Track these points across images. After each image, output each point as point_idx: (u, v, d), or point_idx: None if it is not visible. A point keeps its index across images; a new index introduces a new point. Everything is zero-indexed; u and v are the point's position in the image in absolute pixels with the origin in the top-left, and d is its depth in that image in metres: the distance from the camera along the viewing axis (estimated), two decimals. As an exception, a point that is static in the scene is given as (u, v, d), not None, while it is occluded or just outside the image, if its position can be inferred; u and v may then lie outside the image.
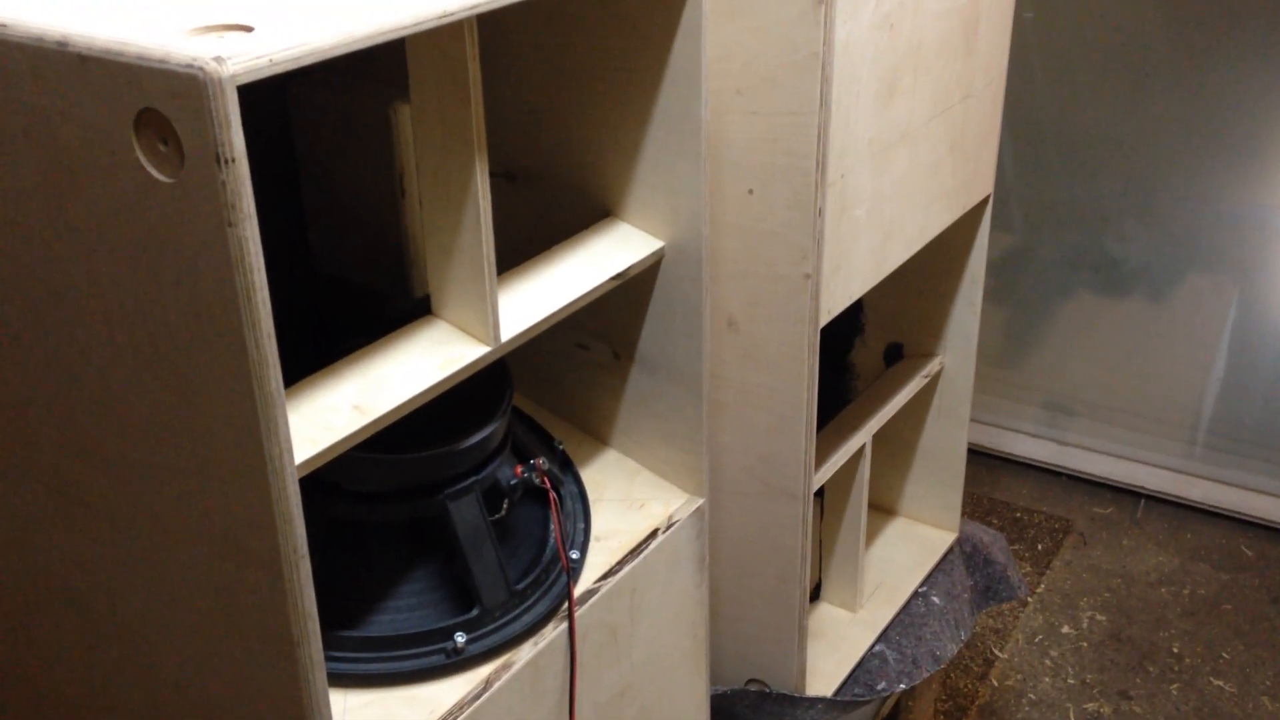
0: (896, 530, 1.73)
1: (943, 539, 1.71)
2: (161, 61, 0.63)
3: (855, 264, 1.24)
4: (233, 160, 0.63)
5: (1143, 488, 2.53)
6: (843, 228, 1.19)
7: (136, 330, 0.73)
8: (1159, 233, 2.40)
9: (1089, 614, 2.24)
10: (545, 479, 1.01)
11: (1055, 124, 2.39)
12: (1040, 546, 2.43)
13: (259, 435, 0.70)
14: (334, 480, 0.91)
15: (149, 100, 0.64)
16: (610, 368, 1.14)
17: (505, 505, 0.99)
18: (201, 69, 0.61)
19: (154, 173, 0.66)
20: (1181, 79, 2.27)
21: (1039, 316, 2.60)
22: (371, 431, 0.81)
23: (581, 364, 1.16)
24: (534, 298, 0.96)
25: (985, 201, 1.51)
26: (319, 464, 0.77)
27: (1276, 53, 2.16)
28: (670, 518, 1.12)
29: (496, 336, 0.90)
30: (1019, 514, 2.53)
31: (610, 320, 1.12)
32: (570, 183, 1.10)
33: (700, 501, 1.14)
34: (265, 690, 0.80)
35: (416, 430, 0.92)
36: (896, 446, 1.70)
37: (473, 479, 0.96)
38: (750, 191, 1.17)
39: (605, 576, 1.04)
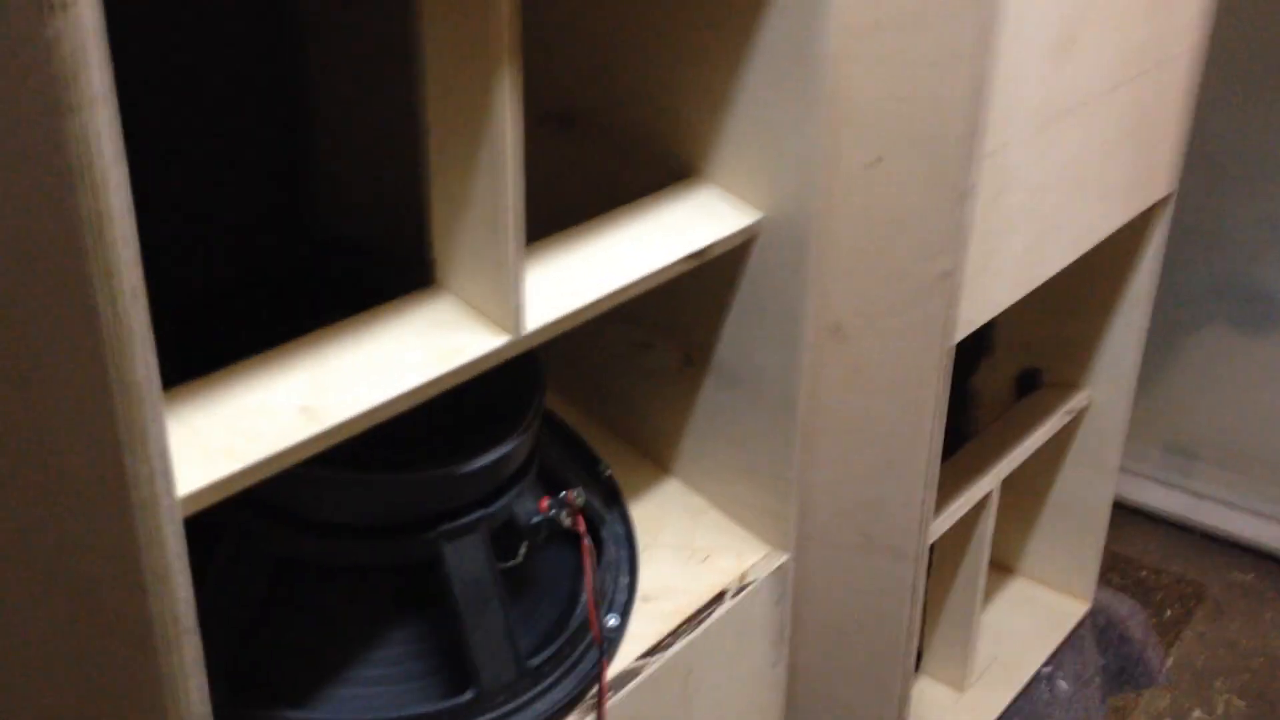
0: (1016, 594, 1.46)
1: (1074, 609, 1.44)
2: None
3: (1005, 264, 0.97)
4: (69, 5, 0.39)
5: (1290, 554, 2.22)
6: (993, 216, 0.93)
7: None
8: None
9: (1225, 697, 1.94)
10: (579, 519, 0.76)
11: (1215, 131, 2.09)
12: (1168, 613, 2.12)
13: (118, 448, 0.46)
14: (286, 506, 0.68)
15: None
16: (678, 376, 0.91)
17: (523, 550, 0.75)
18: None
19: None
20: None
21: (1169, 347, 2.32)
22: (323, 444, 0.57)
23: (642, 368, 0.94)
24: (576, 275, 0.71)
25: (1166, 201, 1.23)
26: (236, 487, 0.53)
27: None
28: (744, 576, 0.87)
29: (519, 323, 0.65)
30: (1144, 573, 2.22)
31: (681, 314, 0.89)
32: (644, 131, 0.86)
33: (784, 557, 0.89)
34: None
35: (411, 443, 0.69)
36: (1023, 492, 1.43)
37: (479, 513, 0.72)
38: (878, 160, 0.91)
39: (652, 652, 0.80)
